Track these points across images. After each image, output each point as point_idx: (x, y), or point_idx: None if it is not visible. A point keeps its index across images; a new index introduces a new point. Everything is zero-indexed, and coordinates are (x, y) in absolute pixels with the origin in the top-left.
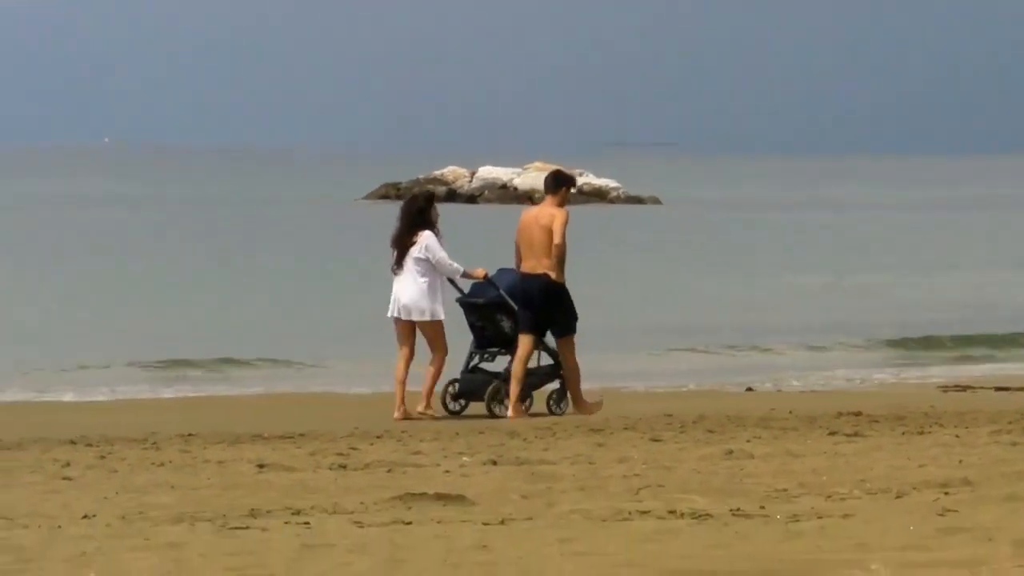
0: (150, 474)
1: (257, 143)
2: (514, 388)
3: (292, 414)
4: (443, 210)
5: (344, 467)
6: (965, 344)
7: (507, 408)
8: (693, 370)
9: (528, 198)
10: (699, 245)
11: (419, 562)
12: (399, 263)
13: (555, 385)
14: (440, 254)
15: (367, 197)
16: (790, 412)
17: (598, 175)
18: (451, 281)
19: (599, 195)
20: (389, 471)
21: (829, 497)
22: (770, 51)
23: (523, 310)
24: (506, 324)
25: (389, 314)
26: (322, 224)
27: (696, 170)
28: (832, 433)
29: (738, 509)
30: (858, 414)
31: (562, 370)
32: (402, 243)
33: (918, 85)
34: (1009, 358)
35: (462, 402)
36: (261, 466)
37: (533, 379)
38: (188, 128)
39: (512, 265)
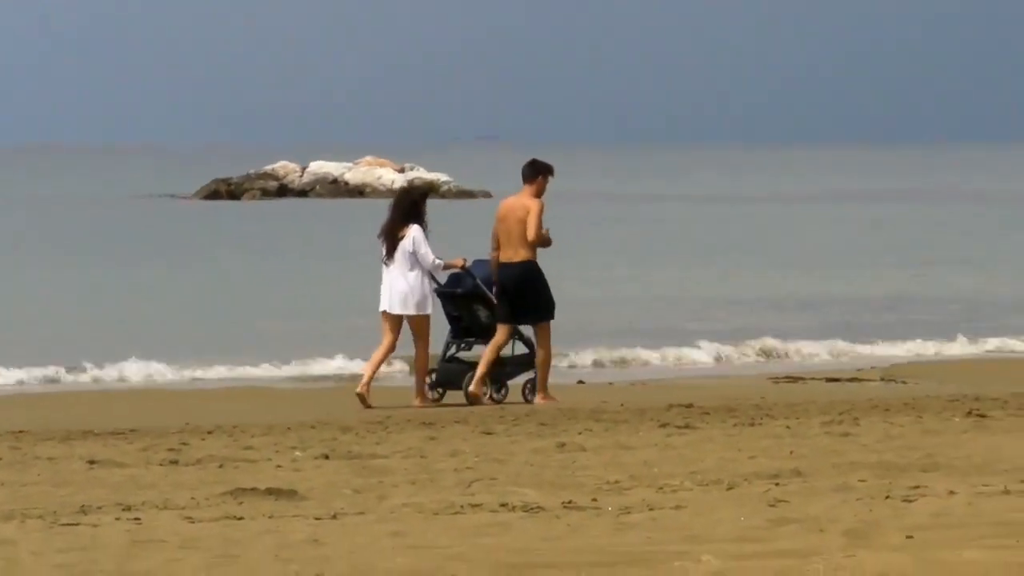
0: None
1: (79, 140)
2: (481, 367)
3: (123, 410)
4: (276, 206)
5: (175, 463)
6: (797, 336)
7: (499, 396)
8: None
9: (359, 192)
10: None
11: (251, 557)
12: (390, 255)
13: (530, 375)
14: (424, 248)
15: (198, 193)
16: (621, 405)
17: (429, 170)
18: (429, 273)
19: (431, 189)
20: (220, 466)
21: (660, 489)
22: (593, 45)
23: (500, 299)
24: (482, 314)
25: (381, 307)
26: (153, 222)
27: (520, 162)
28: (663, 425)
29: (570, 501)
30: (689, 406)
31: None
32: (392, 235)
33: (762, 75)
34: (840, 349)
35: (439, 391)
36: (92, 462)
37: (508, 368)
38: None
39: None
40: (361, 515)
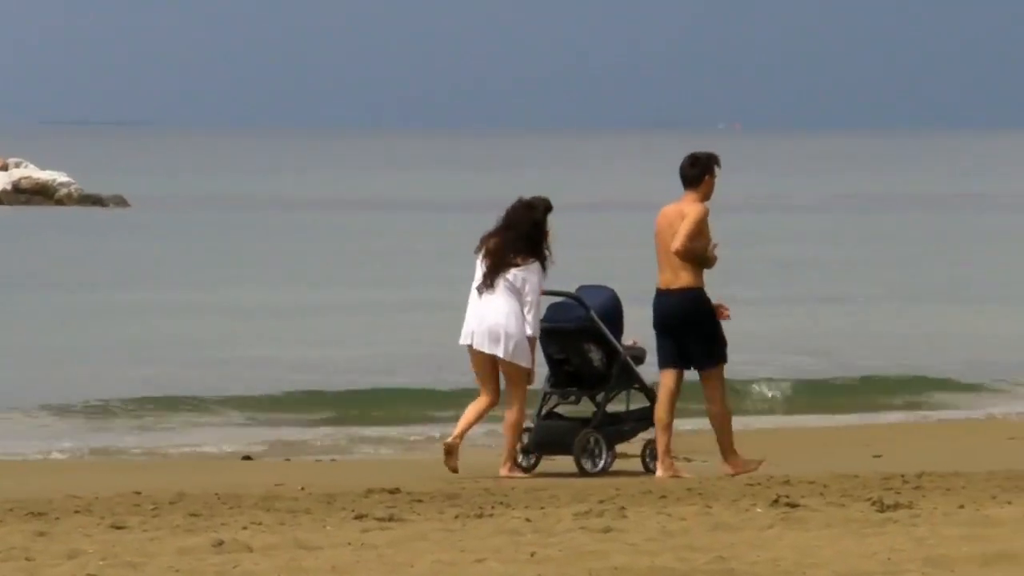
0: None
1: None
2: (662, 439)
3: None
4: None
5: None
6: None
7: (596, 463)
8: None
9: None
10: (175, 263)
11: None
12: (490, 283)
13: (651, 435)
14: (533, 299)
15: None
16: (302, 488)
17: (42, 166)
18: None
19: (43, 193)
20: None
21: None
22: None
23: (661, 338)
24: (595, 356)
25: (464, 341)
26: None
27: (170, 158)
28: (360, 517)
29: None
30: (395, 491)
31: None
32: (504, 259)
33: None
34: None
35: (532, 458)
36: None
37: (622, 427)
38: None
39: (594, 282)
40: None
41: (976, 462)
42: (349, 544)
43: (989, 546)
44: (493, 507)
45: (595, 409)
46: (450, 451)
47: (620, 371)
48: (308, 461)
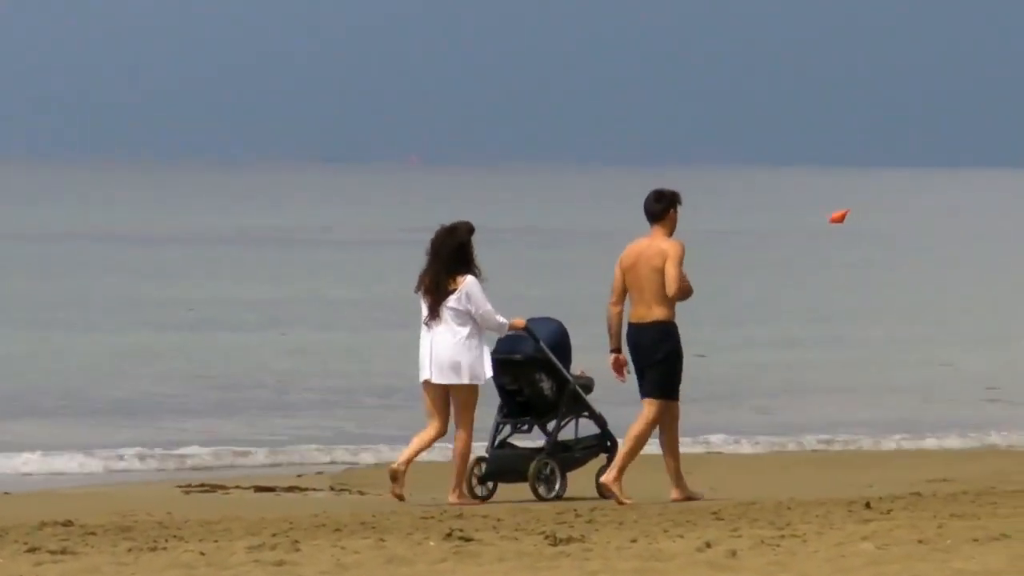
0: None
1: None
2: (631, 450)
3: None
4: None
5: None
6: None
7: (551, 489)
8: None
9: None
10: None
11: None
12: (434, 314)
13: (603, 461)
14: (485, 306)
15: None
16: None
17: None
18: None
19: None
20: None
21: None
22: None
23: (638, 370)
24: (546, 385)
25: (422, 377)
26: None
27: None
28: (33, 550)
29: None
30: (68, 524)
31: (609, 442)
32: (440, 289)
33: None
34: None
35: (490, 485)
36: None
37: (575, 453)
38: None
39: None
40: None
41: (649, 496)
42: None
43: None
44: (167, 540)
45: (547, 437)
46: (395, 477)
47: (569, 400)
48: None
